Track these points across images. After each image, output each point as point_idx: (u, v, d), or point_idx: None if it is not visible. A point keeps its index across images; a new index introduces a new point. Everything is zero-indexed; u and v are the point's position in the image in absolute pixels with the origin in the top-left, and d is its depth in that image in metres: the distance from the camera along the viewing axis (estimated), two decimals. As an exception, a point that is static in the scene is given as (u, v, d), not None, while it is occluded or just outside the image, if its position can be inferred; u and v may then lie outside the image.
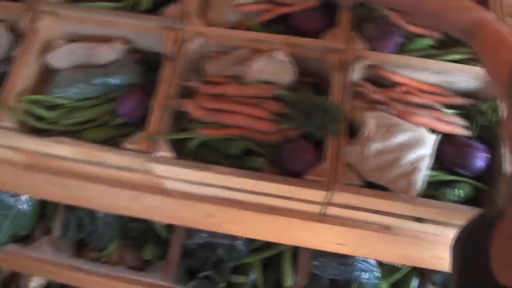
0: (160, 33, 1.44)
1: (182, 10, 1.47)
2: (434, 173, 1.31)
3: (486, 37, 1.08)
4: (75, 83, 1.45)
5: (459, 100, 1.41)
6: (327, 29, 1.45)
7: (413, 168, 1.23)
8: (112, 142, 1.36)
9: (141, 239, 2.00)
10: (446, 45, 1.50)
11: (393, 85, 1.42)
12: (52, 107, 1.46)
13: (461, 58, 1.45)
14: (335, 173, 1.25)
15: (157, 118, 1.32)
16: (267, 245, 1.89)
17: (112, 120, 1.41)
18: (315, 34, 1.45)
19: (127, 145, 1.29)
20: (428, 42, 1.49)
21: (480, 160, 1.31)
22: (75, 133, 1.41)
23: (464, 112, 1.40)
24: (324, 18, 1.50)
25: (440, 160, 1.32)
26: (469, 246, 0.96)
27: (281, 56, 1.34)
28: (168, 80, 1.38)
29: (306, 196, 1.30)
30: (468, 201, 1.30)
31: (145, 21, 1.48)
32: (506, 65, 0.96)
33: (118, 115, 1.40)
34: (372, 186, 1.25)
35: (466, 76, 1.40)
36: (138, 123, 1.39)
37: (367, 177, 1.25)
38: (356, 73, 1.40)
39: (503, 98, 1.20)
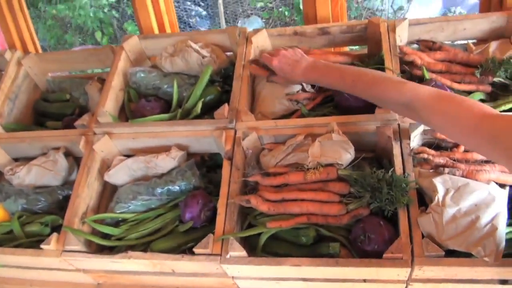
0: (216, 135, 1.47)
1: (232, 109, 1.52)
2: (510, 229, 1.24)
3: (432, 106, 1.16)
4: (137, 196, 1.49)
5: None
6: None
7: (492, 228, 1.17)
8: (183, 249, 1.35)
9: None
10: (496, 97, 1.48)
11: (453, 145, 1.39)
12: (117, 223, 1.49)
13: (514, 106, 1.43)
14: (413, 247, 1.20)
15: (224, 218, 1.32)
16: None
17: (179, 227, 1.41)
18: (363, 108, 1.47)
19: (198, 250, 1.28)
20: (478, 96, 1.48)
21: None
22: (143, 246, 1.42)
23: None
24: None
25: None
26: None
27: (337, 137, 1.34)
28: (229, 179, 1.39)
29: (388, 275, 1.23)
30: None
31: (200, 126, 1.53)
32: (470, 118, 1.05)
33: (184, 221, 1.40)
34: (451, 254, 1.19)
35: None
36: (206, 225, 1.39)
37: (447, 245, 1.19)
38: (415, 141, 1.38)
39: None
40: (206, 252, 1.28)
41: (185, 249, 1.37)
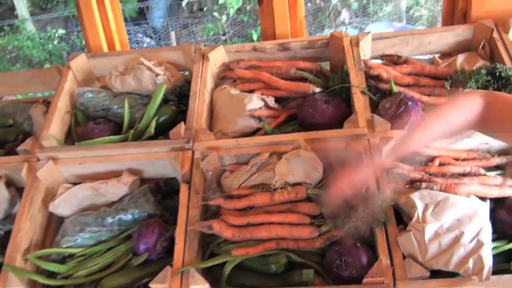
0: (171, 157, 1.34)
1: (189, 128, 1.39)
2: (495, 244, 1.16)
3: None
4: (85, 228, 1.33)
5: (500, 160, 1.30)
6: (340, 118, 1.37)
7: (478, 244, 1.07)
8: (137, 285, 1.20)
9: None
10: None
11: (429, 159, 1.31)
12: (64, 259, 1.32)
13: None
14: (395, 269, 1.09)
15: (183, 248, 1.18)
16: None
17: (132, 261, 1.25)
18: (329, 124, 1.38)
19: (155, 285, 1.13)
20: (450, 110, 1.41)
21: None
22: (93, 284, 1.25)
23: (508, 171, 1.29)
24: (335, 107, 1.43)
25: (496, 229, 1.17)
26: None
27: (305, 153, 1.23)
28: (187, 203, 1.25)
29: (369, 302, 1.12)
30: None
31: (154, 147, 1.39)
32: None
33: (138, 253, 1.25)
34: (437, 274, 1.09)
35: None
36: (163, 257, 1.24)
37: (431, 265, 1.09)
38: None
39: None
40: (163, 287, 1.12)
41: (140, 285, 1.21)
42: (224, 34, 4.97)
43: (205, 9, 4.63)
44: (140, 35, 5.28)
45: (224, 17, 4.11)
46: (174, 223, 1.24)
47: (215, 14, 4.21)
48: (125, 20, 4.73)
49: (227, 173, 1.34)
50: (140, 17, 5.22)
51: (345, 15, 4.33)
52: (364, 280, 1.07)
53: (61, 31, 4.99)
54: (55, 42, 5.06)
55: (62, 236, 1.32)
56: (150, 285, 1.13)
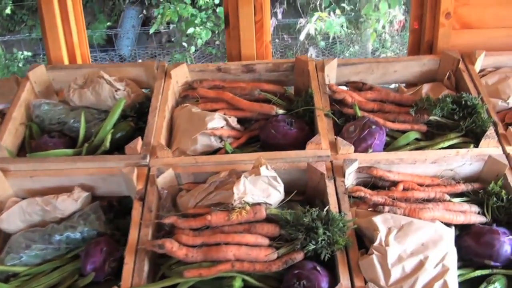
0: (126, 172, 1.27)
1: (146, 144, 1.34)
2: (461, 272, 1.13)
3: None
4: (31, 245, 1.24)
5: (465, 187, 1.28)
6: (303, 140, 1.34)
7: (443, 269, 1.04)
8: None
9: None
10: (433, 137, 1.41)
11: (392, 184, 1.29)
12: (8, 278, 1.22)
13: (455, 143, 1.36)
14: (355, 295, 1.04)
15: (132, 269, 1.10)
16: None
17: (79, 282, 1.17)
18: (292, 146, 1.34)
19: (100, 307, 1.05)
20: (413, 135, 1.40)
21: (507, 245, 1.14)
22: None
23: (473, 197, 1.27)
24: (298, 129, 1.40)
25: (461, 256, 1.14)
26: None
27: (266, 171, 1.19)
28: (139, 221, 1.18)
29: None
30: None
31: (108, 162, 1.32)
32: None
33: (85, 273, 1.16)
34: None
35: (464, 160, 1.29)
36: (110, 279, 1.16)
37: (394, 292, 1.04)
38: (349, 179, 1.26)
39: None
40: (109, 310, 1.04)
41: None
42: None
43: (173, 39, 4.62)
44: (107, 62, 5.22)
45: (192, 48, 4.09)
46: (125, 244, 1.16)
47: (184, 44, 4.19)
48: (92, 46, 4.67)
49: (183, 192, 1.28)
50: (108, 44, 5.16)
51: (312, 52, 4.39)
52: (323, 305, 1.02)
53: (27, 53, 4.89)
54: (20, 64, 4.94)
55: (7, 253, 1.23)
56: (94, 306, 1.05)
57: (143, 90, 1.64)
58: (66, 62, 1.77)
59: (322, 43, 4.11)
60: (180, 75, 1.58)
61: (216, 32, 4.10)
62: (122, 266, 1.12)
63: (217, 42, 4.29)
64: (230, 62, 1.63)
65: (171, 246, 1.10)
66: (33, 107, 1.55)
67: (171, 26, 4.42)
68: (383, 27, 4.00)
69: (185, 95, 1.58)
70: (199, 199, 1.22)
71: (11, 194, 1.38)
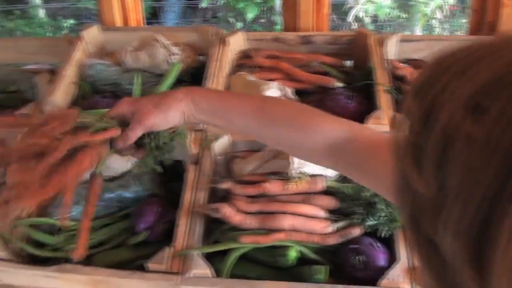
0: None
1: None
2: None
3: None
4: (81, 201, 1.22)
5: None
6: (361, 115, 1.29)
7: None
8: (132, 265, 1.10)
9: None
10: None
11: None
12: (56, 231, 1.22)
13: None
14: (414, 274, 1.00)
15: (186, 230, 1.09)
16: None
17: (130, 239, 1.16)
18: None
19: (152, 265, 1.04)
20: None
21: None
22: (84, 260, 1.14)
23: None
24: (357, 104, 1.36)
25: None
26: None
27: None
28: (194, 185, 1.16)
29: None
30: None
31: (163, 123, 1.30)
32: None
33: (137, 232, 1.15)
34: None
35: None
36: (160, 240, 1.15)
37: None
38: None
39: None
40: (161, 269, 1.03)
41: (135, 265, 1.11)
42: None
43: (218, 15, 4.57)
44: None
45: (239, 24, 4.03)
46: (175, 207, 1.15)
47: (230, 19, 4.13)
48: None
49: (238, 159, 1.26)
50: (153, 18, 5.16)
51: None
52: (380, 282, 0.99)
53: (71, 21, 4.92)
54: (63, 32, 4.99)
55: (55, 206, 1.23)
56: (149, 264, 1.03)
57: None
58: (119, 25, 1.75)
59: (371, 26, 4.01)
60: (237, 42, 1.55)
61: (263, 8, 4.03)
62: (173, 229, 1.11)
63: (262, 20, 4.22)
64: (288, 32, 1.59)
65: (227, 211, 1.08)
66: (87, 67, 1.54)
67: (219, 1, 4.37)
68: (433, 11, 3.87)
69: (240, 63, 1.54)
70: (255, 167, 1.19)
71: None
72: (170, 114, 0.82)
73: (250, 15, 3.70)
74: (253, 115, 0.83)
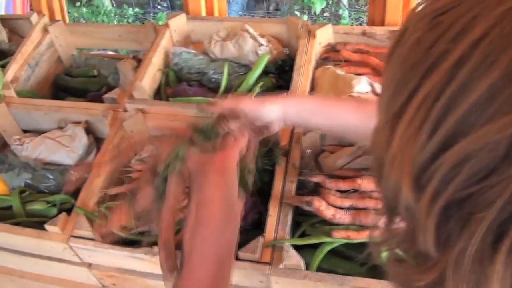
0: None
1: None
2: None
3: None
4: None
5: None
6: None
7: None
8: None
9: None
10: None
11: None
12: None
13: None
14: None
15: (276, 221, 1.08)
16: None
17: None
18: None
19: (245, 254, 1.04)
20: None
21: None
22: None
23: None
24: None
25: None
26: None
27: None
28: (283, 177, 1.16)
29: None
30: None
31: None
32: None
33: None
34: None
35: None
36: (249, 230, 1.15)
37: None
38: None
39: None
40: (254, 258, 1.03)
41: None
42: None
43: (282, 8, 4.54)
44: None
45: (305, 17, 4.00)
46: (261, 197, 1.15)
47: (296, 13, 4.10)
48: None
49: (327, 153, 1.24)
50: (218, 9, 5.21)
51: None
52: None
53: (137, 10, 5.02)
54: (130, 20, 5.08)
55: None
56: (240, 253, 1.04)
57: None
58: (203, 14, 1.77)
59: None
60: (324, 36, 1.53)
61: (330, 2, 3.98)
62: (261, 220, 1.11)
63: (326, 14, 4.16)
64: (376, 27, 1.56)
65: (320, 205, 1.07)
66: (173, 55, 1.56)
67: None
68: None
69: (326, 57, 1.53)
70: (345, 162, 1.18)
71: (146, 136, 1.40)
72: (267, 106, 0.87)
73: (318, 8, 3.65)
74: (354, 110, 0.83)
